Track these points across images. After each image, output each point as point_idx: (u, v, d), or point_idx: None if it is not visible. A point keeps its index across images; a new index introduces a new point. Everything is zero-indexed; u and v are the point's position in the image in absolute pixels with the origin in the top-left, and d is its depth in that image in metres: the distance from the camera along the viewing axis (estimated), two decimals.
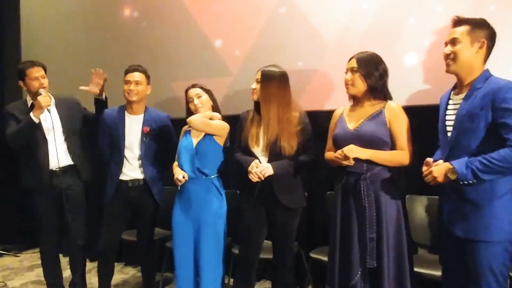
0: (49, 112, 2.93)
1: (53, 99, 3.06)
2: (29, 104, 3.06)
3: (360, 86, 2.23)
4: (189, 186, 2.64)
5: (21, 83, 3.06)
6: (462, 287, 1.95)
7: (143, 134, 2.90)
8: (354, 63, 2.22)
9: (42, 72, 3.04)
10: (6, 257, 4.39)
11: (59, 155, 2.99)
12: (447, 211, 1.97)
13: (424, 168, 1.93)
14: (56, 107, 3.08)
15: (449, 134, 1.96)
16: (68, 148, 3.07)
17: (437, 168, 1.87)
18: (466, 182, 1.82)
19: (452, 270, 2.02)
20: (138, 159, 2.91)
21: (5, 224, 4.71)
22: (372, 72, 2.20)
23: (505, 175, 1.81)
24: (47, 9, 4.52)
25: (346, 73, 2.27)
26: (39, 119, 2.91)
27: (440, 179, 1.86)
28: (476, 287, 1.87)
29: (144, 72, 2.93)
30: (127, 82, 2.88)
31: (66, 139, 3.07)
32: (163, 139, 2.96)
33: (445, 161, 1.90)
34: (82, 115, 3.21)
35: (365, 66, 2.20)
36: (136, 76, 2.88)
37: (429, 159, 1.93)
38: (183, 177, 2.58)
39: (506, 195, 1.85)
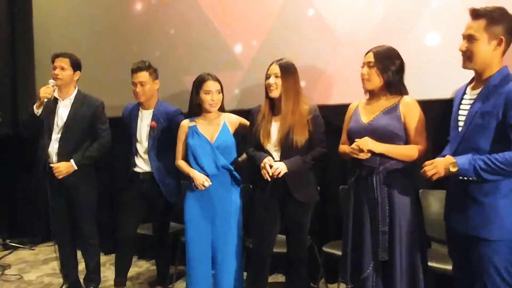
0: (57, 109, 2.94)
1: (71, 97, 3.02)
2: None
3: (376, 81, 2.21)
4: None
5: None
6: (472, 282, 1.92)
7: (151, 128, 2.95)
8: (371, 57, 2.20)
9: (63, 64, 2.96)
10: (21, 250, 4.44)
11: (56, 152, 2.95)
12: (449, 206, 1.95)
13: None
14: (71, 105, 3.00)
15: (460, 129, 1.91)
16: (59, 148, 2.95)
17: (439, 161, 1.86)
18: (466, 178, 1.80)
19: (460, 265, 2.01)
20: (145, 153, 2.96)
21: (20, 218, 4.79)
22: (389, 67, 2.18)
23: (508, 177, 1.77)
24: (58, 5, 4.55)
25: (363, 67, 2.25)
26: (45, 112, 2.87)
27: (440, 170, 1.83)
28: (481, 283, 1.84)
29: (148, 68, 2.91)
30: (133, 84, 2.92)
31: (61, 139, 2.95)
32: (171, 134, 2.94)
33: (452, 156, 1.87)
34: (94, 120, 3.03)
35: (382, 61, 2.18)
36: (140, 76, 2.89)
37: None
38: (207, 181, 2.61)
39: (511, 194, 1.80)
